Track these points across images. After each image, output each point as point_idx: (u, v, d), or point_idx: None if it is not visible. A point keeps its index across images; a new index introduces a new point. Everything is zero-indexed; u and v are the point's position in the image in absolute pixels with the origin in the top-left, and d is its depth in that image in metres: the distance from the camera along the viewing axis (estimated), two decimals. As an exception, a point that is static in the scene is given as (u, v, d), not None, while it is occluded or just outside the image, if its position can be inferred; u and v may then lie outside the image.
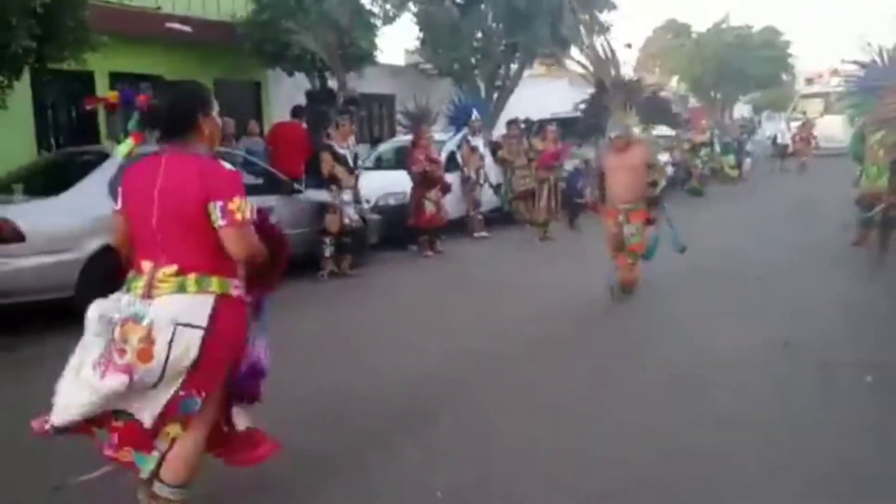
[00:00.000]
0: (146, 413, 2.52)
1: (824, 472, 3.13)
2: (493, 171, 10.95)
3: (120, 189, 2.70)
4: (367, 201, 8.57)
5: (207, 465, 2.84)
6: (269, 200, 7.31)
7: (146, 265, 2.54)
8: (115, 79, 11.44)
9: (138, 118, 2.71)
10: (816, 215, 11.13)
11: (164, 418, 2.53)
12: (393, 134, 15.51)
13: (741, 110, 34.15)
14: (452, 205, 9.74)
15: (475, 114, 10.60)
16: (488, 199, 10.82)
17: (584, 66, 7.16)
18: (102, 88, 11.24)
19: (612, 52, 6.86)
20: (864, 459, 3.24)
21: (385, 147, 12.29)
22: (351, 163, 7.68)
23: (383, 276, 7.93)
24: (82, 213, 5.76)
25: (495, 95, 17.09)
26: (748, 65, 31.71)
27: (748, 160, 19.80)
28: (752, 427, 3.62)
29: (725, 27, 34.25)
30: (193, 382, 2.50)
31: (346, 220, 7.55)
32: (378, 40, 13.34)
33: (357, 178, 7.85)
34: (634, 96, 6.71)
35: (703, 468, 3.19)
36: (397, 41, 28.57)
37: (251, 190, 7.54)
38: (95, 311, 2.55)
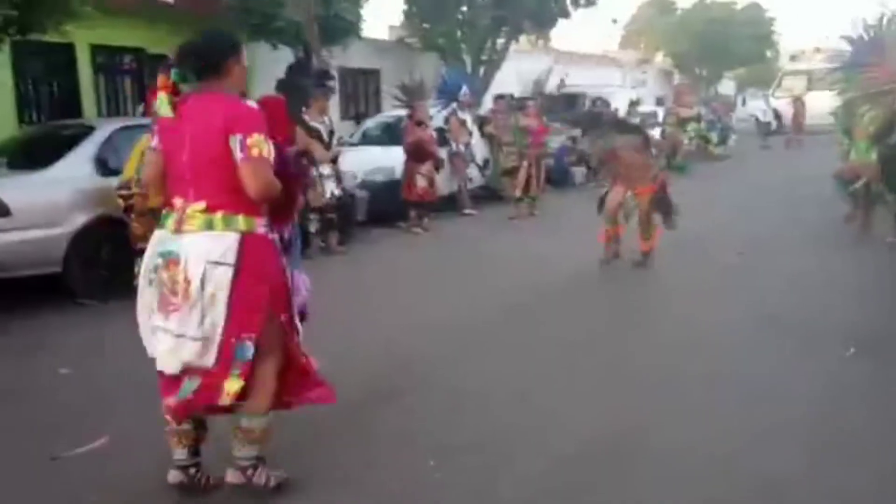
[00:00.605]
0: (210, 357, 2.57)
1: (807, 434, 3.24)
2: (479, 147, 10.93)
3: (156, 127, 2.82)
4: (355, 177, 8.51)
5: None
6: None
7: (177, 201, 2.64)
8: (97, 51, 11.27)
9: (177, 70, 2.73)
10: (800, 192, 11.25)
11: (222, 366, 2.56)
12: (378, 109, 15.41)
13: (725, 87, 34.25)
14: (443, 181, 9.71)
15: (465, 88, 10.56)
16: (474, 175, 10.82)
17: None
18: (84, 60, 11.08)
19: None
20: (845, 423, 3.35)
21: (371, 123, 12.20)
22: (326, 137, 7.54)
23: (371, 253, 7.94)
24: (69, 187, 5.71)
25: (481, 70, 17.01)
26: (732, 41, 31.80)
27: (734, 137, 19.86)
28: (737, 393, 3.72)
29: (710, 3, 34.26)
30: (235, 324, 2.54)
31: (328, 195, 7.45)
32: (363, 12, 13.20)
33: (337, 154, 7.75)
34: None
35: (689, 429, 3.28)
36: (382, 16, 28.28)
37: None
38: (144, 261, 2.72)
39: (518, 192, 9.92)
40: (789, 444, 3.16)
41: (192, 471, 2.78)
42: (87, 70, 11.17)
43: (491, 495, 2.83)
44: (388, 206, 8.96)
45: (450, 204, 10.22)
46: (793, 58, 34.52)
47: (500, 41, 17.40)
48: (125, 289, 5.71)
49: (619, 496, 2.82)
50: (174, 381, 2.68)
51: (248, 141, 2.51)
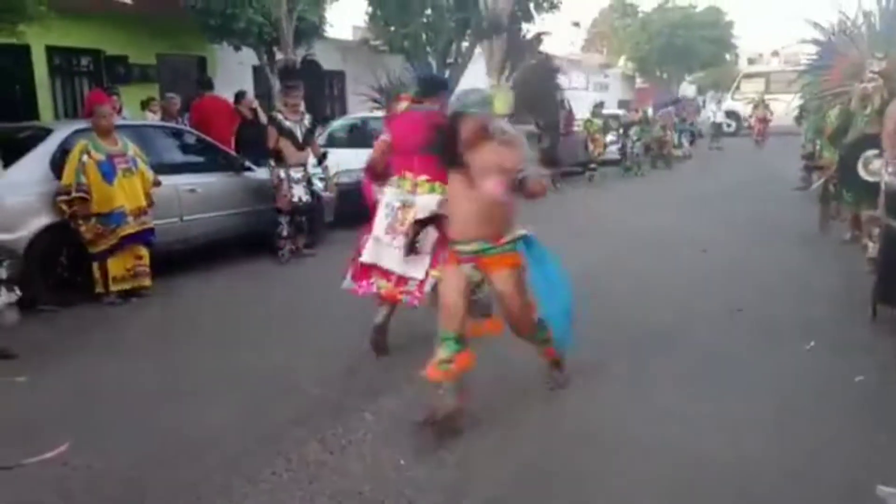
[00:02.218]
0: (416, 271, 4.12)
1: (772, 424, 3.33)
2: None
3: (389, 126, 4.43)
4: (322, 179, 8.40)
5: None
6: (219, 177, 7.18)
7: (408, 174, 4.23)
8: (53, 53, 11.03)
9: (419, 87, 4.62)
10: (760, 190, 11.50)
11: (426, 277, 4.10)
12: (344, 111, 15.32)
13: (686, 90, 34.83)
14: None
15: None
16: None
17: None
18: (40, 62, 10.83)
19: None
20: (808, 413, 3.44)
21: (337, 124, 12.11)
22: (301, 137, 7.35)
23: (341, 254, 7.84)
24: (25, 190, 5.56)
25: (447, 73, 17.02)
26: (692, 44, 32.38)
27: (698, 140, 20.28)
28: (703, 386, 3.80)
29: (671, 6, 34.83)
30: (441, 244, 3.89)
31: (296, 199, 7.28)
32: (327, 14, 13.11)
33: (313, 153, 7.59)
34: (518, 58, 6.56)
35: (658, 423, 3.32)
36: (345, 17, 28.08)
37: (199, 167, 7.34)
38: (384, 200, 4.29)
39: None
40: (755, 434, 3.23)
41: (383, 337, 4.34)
42: (44, 72, 10.93)
43: (464, 487, 2.83)
44: (355, 208, 8.85)
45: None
46: (751, 61, 35.29)
47: (465, 44, 17.42)
48: (85, 294, 5.66)
49: (595, 486, 2.85)
50: (379, 272, 4.24)
51: None
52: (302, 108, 7.30)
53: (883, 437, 3.18)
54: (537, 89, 5.10)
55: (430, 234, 3.94)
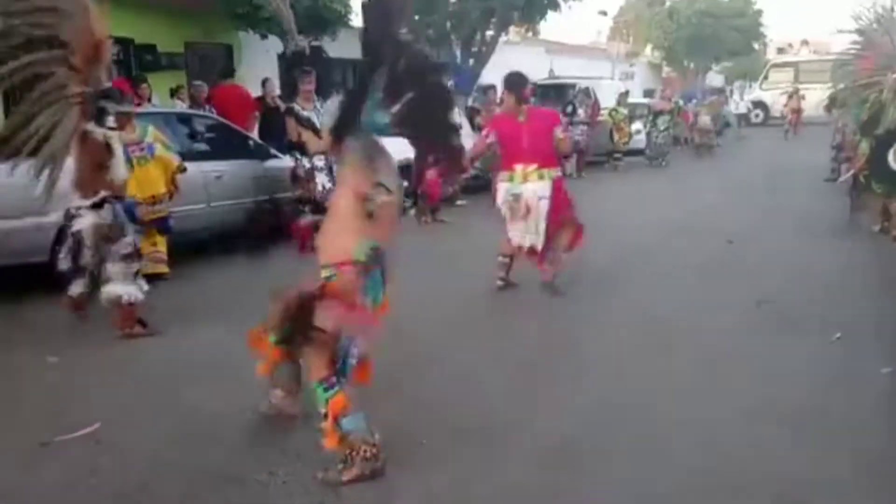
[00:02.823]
0: (539, 243, 5.23)
1: (792, 412, 3.32)
2: (469, 139, 10.89)
3: (493, 126, 5.49)
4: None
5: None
6: (246, 164, 7.25)
7: (517, 166, 5.16)
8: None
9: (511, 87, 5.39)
10: (789, 181, 11.35)
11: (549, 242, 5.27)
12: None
13: (713, 80, 34.38)
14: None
15: (449, 81, 10.51)
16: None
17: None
18: (69, 50, 10.94)
19: None
20: (829, 403, 3.42)
21: (362, 113, 12.13)
22: (318, 125, 7.33)
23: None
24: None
25: (471, 62, 16.97)
26: (720, 33, 31.89)
27: (727, 129, 20.09)
28: (725, 373, 3.80)
29: (699, -5, 34.27)
30: (558, 223, 5.26)
31: (320, 188, 7.30)
32: (352, 2, 13.11)
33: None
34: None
35: (678, 407, 3.32)
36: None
37: (226, 154, 7.38)
38: (499, 196, 5.34)
39: None
40: (775, 421, 3.23)
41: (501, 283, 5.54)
42: (74, 60, 11.06)
43: (484, 472, 2.85)
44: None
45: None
46: (780, 51, 34.69)
47: (490, 33, 17.35)
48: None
49: (614, 469, 2.87)
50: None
51: (559, 129, 5.32)
52: (315, 95, 7.32)
53: (909, 429, 3.15)
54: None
55: (540, 211, 5.15)
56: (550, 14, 17.28)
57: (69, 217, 4.54)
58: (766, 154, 16.84)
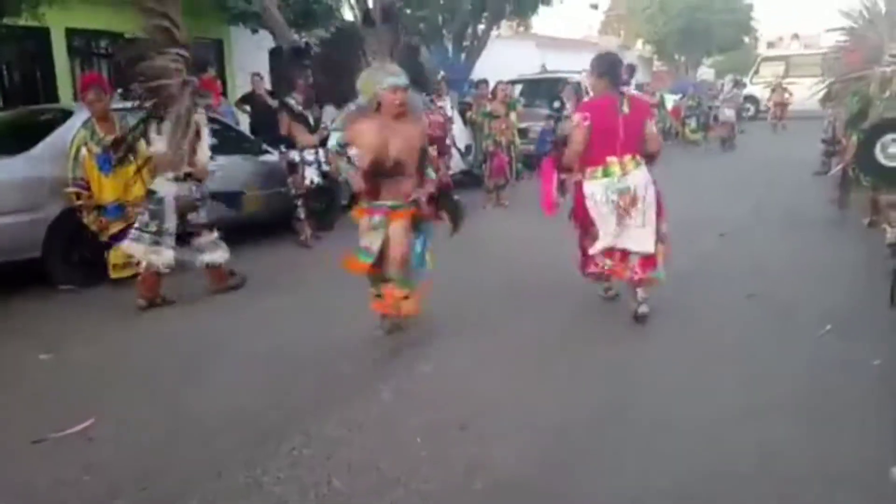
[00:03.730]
0: (648, 245, 4.45)
1: (794, 407, 3.34)
2: (462, 133, 10.89)
3: (586, 115, 4.42)
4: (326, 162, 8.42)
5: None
6: (238, 159, 7.23)
7: (611, 159, 4.39)
8: (73, 35, 11.10)
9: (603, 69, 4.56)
10: (778, 174, 11.40)
11: (656, 245, 4.47)
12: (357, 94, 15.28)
13: (704, 73, 34.46)
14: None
15: (441, 74, 10.51)
16: (455, 161, 10.76)
17: None
18: (59, 45, 10.90)
19: None
20: (828, 396, 3.44)
21: (353, 107, 12.11)
22: (311, 121, 7.34)
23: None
24: (48, 171, 5.63)
25: (463, 56, 16.96)
26: (711, 27, 31.96)
27: (717, 123, 20.13)
28: (722, 369, 3.81)
29: (689, -11, 34.30)
30: (660, 213, 4.50)
31: (308, 181, 7.33)
32: (343, -3, 13.10)
33: (325, 136, 7.63)
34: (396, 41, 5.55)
35: (679, 405, 3.34)
36: None
37: (218, 149, 7.41)
38: (596, 197, 4.44)
39: (487, 181, 9.84)
40: (778, 417, 3.24)
41: (612, 292, 5.01)
42: (63, 54, 11.00)
43: (480, 464, 2.87)
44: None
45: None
46: (770, 45, 34.76)
47: (482, 27, 17.35)
48: (104, 274, 5.72)
49: (614, 466, 2.88)
50: (605, 253, 4.60)
51: (652, 121, 4.66)
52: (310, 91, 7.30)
53: (899, 419, 3.18)
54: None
55: (648, 200, 4.41)
56: (542, 8, 17.32)
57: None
58: (756, 148, 16.89)
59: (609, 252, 4.55)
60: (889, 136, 6.04)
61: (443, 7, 16.60)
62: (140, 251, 5.09)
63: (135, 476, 2.88)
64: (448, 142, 9.88)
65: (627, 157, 4.38)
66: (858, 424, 3.17)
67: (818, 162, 11.15)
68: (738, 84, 19.46)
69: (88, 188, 5.53)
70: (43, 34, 10.27)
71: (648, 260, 4.49)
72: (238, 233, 7.06)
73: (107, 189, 5.58)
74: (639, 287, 4.54)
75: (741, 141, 17.42)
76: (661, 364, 3.93)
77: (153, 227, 5.07)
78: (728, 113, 17.25)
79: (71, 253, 5.76)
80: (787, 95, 20.17)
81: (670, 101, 17.81)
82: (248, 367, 4.02)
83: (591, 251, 4.58)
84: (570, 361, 4.00)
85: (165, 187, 5.12)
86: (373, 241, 4.18)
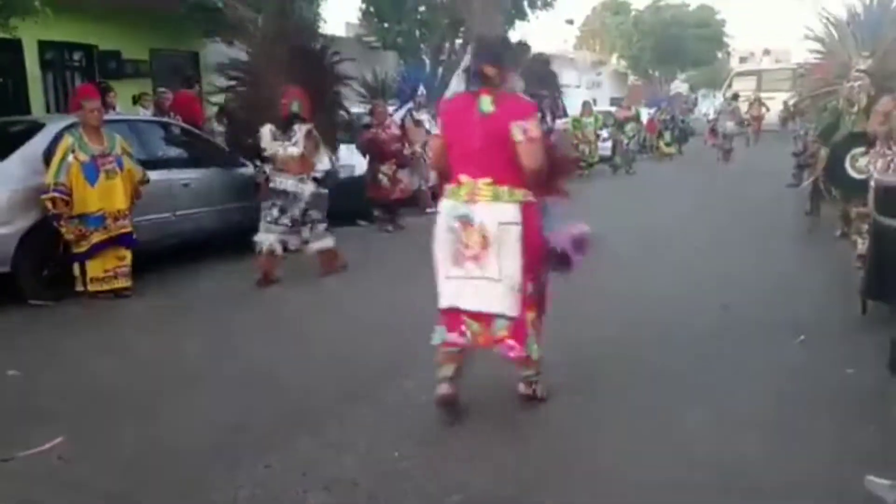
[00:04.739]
0: (501, 304, 3.23)
1: (762, 418, 3.36)
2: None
3: (440, 120, 3.49)
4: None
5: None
6: (213, 172, 7.17)
7: (464, 178, 3.24)
8: (45, 47, 10.97)
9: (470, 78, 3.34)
10: (752, 187, 11.57)
11: (524, 307, 3.26)
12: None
13: (678, 88, 35.00)
14: (409, 180, 9.51)
15: (421, 88, 10.53)
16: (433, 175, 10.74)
17: None
18: (31, 56, 10.77)
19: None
20: (797, 407, 3.47)
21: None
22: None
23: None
24: (18, 184, 5.54)
25: (440, 70, 17.03)
26: (685, 42, 32.52)
27: (691, 138, 20.43)
28: (694, 381, 3.83)
29: (663, 5, 34.94)
30: (527, 271, 3.23)
31: None
32: (321, 10, 13.10)
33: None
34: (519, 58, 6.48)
35: (648, 419, 3.36)
36: (339, 12, 28.07)
37: (193, 162, 7.35)
38: (439, 220, 3.32)
39: None
40: (745, 429, 3.25)
41: (447, 389, 3.36)
42: (35, 66, 10.87)
43: (459, 478, 2.85)
44: (348, 203, 8.85)
45: (415, 202, 10.10)
46: (743, 59, 35.39)
47: (459, 42, 17.44)
48: (72, 290, 5.63)
49: (585, 477, 2.88)
50: (457, 317, 3.31)
51: (527, 125, 3.12)
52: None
53: (872, 427, 3.22)
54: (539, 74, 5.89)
55: (510, 241, 3.17)
56: (518, 23, 17.45)
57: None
58: (730, 161, 17.14)
59: (476, 313, 3.30)
60: (857, 150, 6.16)
61: (420, 21, 16.67)
62: (269, 240, 6.06)
63: (105, 496, 2.82)
64: (413, 152, 9.73)
65: (483, 182, 3.18)
66: (830, 433, 3.20)
67: (790, 174, 11.35)
68: (736, 97, 19.74)
69: (69, 195, 5.45)
70: (15, 46, 10.13)
71: (517, 328, 3.29)
72: (208, 249, 7.03)
73: (91, 199, 5.54)
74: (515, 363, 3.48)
75: (712, 154, 17.67)
76: (632, 380, 3.90)
77: (286, 220, 6.12)
78: (729, 126, 17.45)
79: (42, 267, 5.65)
80: (763, 110, 20.56)
81: (646, 115, 18.10)
82: (222, 384, 3.96)
83: (441, 304, 3.37)
84: (543, 377, 3.97)
85: (293, 185, 6.10)
86: None
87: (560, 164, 3.59)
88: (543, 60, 6.37)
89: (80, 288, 5.65)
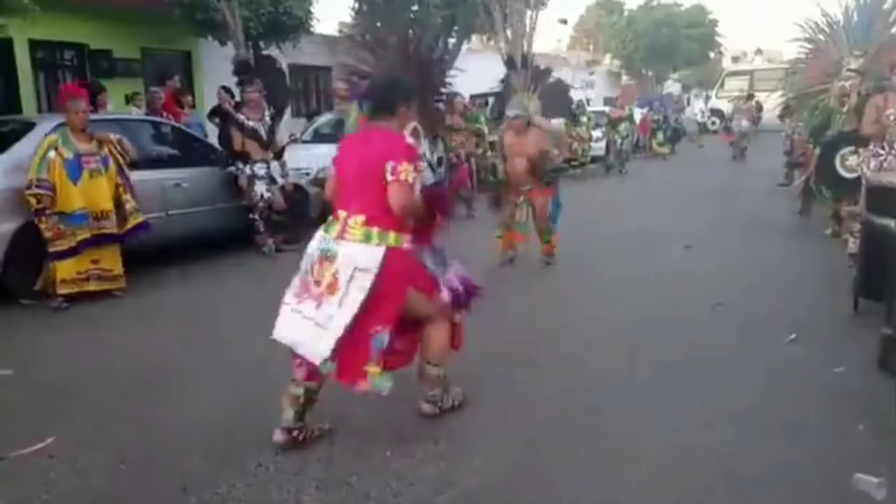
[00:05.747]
0: (317, 347, 2.99)
1: (753, 414, 3.37)
2: (432, 146, 10.88)
3: (337, 151, 3.31)
4: (307, 174, 8.42)
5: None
6: (205, 172, 7.16)
7: (342, 213, 3.09)
8: (37, 46, 10.94)
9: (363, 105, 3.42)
10: (743, 187, 11.61)
11: (356, 357, 3.02)
12: (330, 107, 15.27)
13: (670, 87, 35.09)
14: None
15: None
16: (427, 174, 10.74)
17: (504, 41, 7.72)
18: (22, 55, 10.74)
19: (532, 28, 7.46)
20: (788, 404, 3.49)
21: (323, 120, 12.11)
22: (264, 135, 7.31)
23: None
24: (9, 183, 5.51)
25: (433, 69, 17.01)
26: (677, 42, 32.59)
27: (684, 137, 20.49)
28: (685, 379, 3.84)
29: (655, 4, 35.00)
30: (372, 319, 2.99)
31: (256, 196, 7.22)
32: (313, 9, 13.08)
33: (280, 151, 7.61)
34: (540, 80, 6.95)
35: (639, 415, 3.36)
36: (331, 12, 28.02)
37: (185, 162, 7.38)
38: (308, 249, 3.15)
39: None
40: (736, 426, 3.27)
41: (295, 433, 3.13)
42: (27, 65, 10.83)
43: (450, 478, 2.86)
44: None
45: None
46: (735, 59, 35.52)
47: (452, 41, 17.43)
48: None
49: (579, 475, 2.88)
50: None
51: (399, 167, 2.98)
52: (263, 104, 7.31)
53: (860, 426, 3.23)
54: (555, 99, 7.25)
55: (355, 290, 2.96)
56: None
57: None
58: (722, 161, 17.20)
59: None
60: (847, 149, 6.19)
61: (414, 21, 16.63)
62: None
63: (97, 495, 2.82)
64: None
65: (355, 220, 3.03)
66: (819, 431, 3.22)
67: (782, 174, 11.40)
68: (750, 98, 19.82)
69: (52, 191, 5.41)
70: (6, 45, 10.10)
71: (350, 364, 3.06)
72: (201, 249, 7.02)
73: (74, 196, 5.50)
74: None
75: (704, 154, 17.74)
76: (624, 375, 3.93)
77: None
78: (745, 124, 17.53)
79: (32, 267, 5.62)
80: (759, 110, 20.62)
81: (638, 114, 18.14)
82: (214, 383, 3.96)
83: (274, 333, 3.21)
84: (532, 370, 4.00)
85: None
86: (522, 214, 6.50)
87: (437, 210, 3.35)
88: (562, 88, 7.17)
89: (39, 287, 5.53)
